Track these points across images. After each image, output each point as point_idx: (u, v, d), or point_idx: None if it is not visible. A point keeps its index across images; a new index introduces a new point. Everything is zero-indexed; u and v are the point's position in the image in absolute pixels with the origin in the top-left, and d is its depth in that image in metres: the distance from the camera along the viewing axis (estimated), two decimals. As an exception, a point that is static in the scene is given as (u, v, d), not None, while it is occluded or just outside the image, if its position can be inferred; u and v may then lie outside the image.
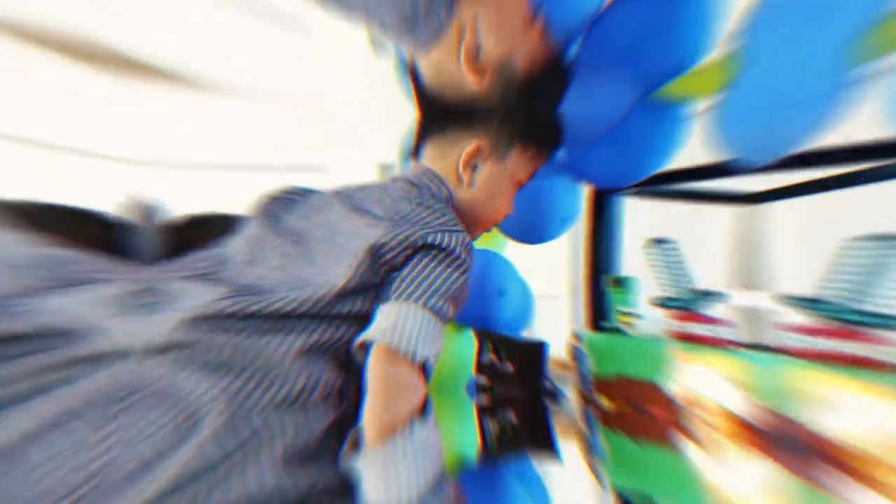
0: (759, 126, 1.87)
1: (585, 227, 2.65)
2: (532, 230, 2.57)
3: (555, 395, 2.48)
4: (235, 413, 1.71)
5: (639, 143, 2.27)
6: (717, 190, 2.88)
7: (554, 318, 3.81)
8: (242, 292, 1.82)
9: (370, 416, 1.74)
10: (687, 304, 2.16)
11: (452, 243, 1.90)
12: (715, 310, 2.13)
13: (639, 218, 2.72)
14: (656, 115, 2.22)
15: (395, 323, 1.83)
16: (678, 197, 2.82)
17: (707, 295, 2.13)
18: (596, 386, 2.26)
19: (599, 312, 2.59)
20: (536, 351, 2.59)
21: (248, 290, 1.84)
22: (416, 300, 1.85)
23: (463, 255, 1.90)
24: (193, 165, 2.95)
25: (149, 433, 1.67)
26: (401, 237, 1.88)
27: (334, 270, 1.88)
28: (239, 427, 1.71)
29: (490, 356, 2.52)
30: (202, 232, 1.96)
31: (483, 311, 2.66)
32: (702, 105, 2.07)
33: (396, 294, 1.87)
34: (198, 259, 1.95)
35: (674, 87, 2.11)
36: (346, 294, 1.86)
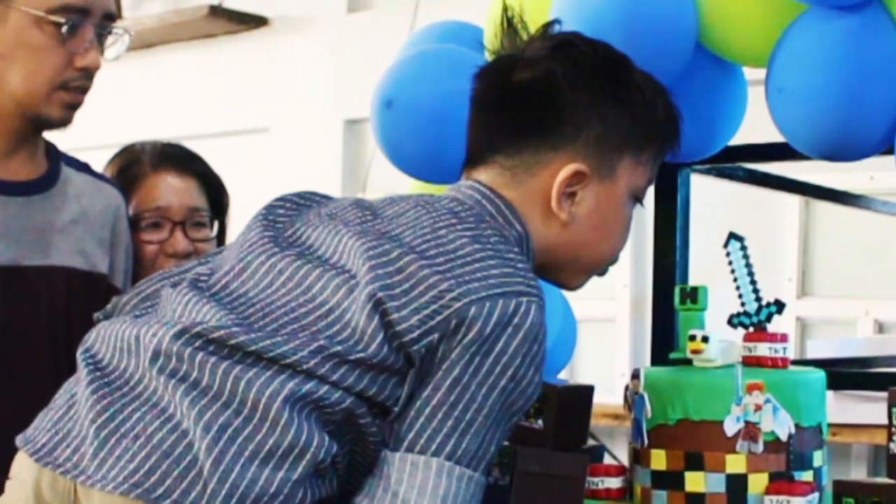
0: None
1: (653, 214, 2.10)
2: None
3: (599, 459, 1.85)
4: (224, 454, 1.33)
5: (706, 103, 1.86)
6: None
7: (606, 350, 3.43)
8: (227, 317, 1.43)
9: None
10: (757, 320, 1.70)
11: (517, 318, 1.36)
12: (775, 323, 1.71)
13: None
14: (720, 72, 1.87)
15: (401, 496, 1.36)
16: (759, 181, 2.28)
17: (773, 305, 1.70)
18: (652, 437, 1.66)
19: (668, 339, 1.99)
20: (579, 400, 1.79)
21: (233, 312, 1.45)
22: (438, 452, 1.36)
23: (529, 342, 1.37)
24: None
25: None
26: (426, 312, 1.36)
27: (334, 321, 1.41)
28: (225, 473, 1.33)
29: None
30: None
31: None
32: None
33: (402, 438, 1.38)
34: (192, 271, 1.60)
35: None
36: (346, 362, 1.37)
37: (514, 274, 1.40)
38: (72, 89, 1.73)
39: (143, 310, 1.57)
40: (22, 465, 1.44)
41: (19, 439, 1.45)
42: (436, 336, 1.36)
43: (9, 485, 1.46)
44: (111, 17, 1.76)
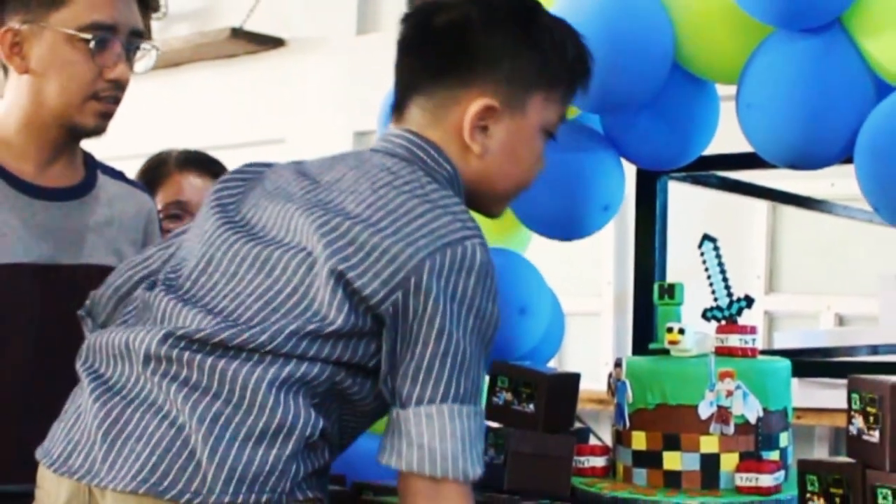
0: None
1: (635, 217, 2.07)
2: (565, 220, 1.88)
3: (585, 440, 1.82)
4: (219, 441, 1.32)
5: (682, 116, 1.83)
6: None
7: (591, 342, 3.40)
8: (205, 319, 1.39)
9: None
10: (728, 314, 1.67)
11: (467, 262, 1.36)
12: (745, 316, 1.70)
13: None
14: (695, 89, 1.82)
15: (426, 447, 1.34)
16: (731, 187, 2.27)
17: (743, 301, 1.68)
18: (633, 420, 1.64)
19: (648, 331, 1.96)
20: (567, 386, 1.77)
21: (208, 310, 1.41)
22: (444, 399, 1.35)
23: (479, 281, 1.36)
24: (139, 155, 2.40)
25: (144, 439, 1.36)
26: (386, 274, 1.35)
27: (301, 299, 1.39)
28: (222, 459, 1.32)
29: (506, 395, 1.73)
30: None
31: (498, 334, 1.74)
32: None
33: (407, 397, 1.36)
34: (153, 259, 1.58)
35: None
36: (320, 337, 1.36)
37: (455, 220, 1.38)
38: (103, 99, 1.73)
39: (125, 315, 1.53)
40: (44, 476, 1.44)
41: (39, 452, 1.45)
42: (399, 294, 1.35)
43: (37, 493, 1.45)
44: (138, 33, 1.76)
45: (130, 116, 1.81)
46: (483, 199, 1.54)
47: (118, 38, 1.72)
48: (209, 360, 1.35)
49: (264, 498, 1.33)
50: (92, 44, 1.69)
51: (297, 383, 1.36)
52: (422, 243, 1.35)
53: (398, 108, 1.54)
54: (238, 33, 4.56)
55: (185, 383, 1.35)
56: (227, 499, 1.31)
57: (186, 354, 1.36)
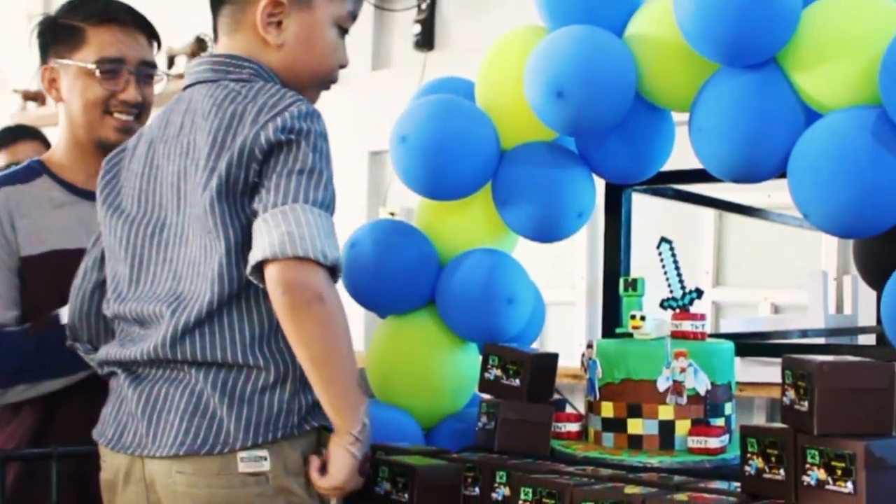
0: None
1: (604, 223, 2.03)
2: (546, 225, 1.85)
3: (562, 409, 1.79)
4: (232, 400, 1.34)
5: (643, 139, 1.81)
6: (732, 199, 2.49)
7: (567, 327, 3.35)
8: (170, 312, 1.38)
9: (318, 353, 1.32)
10: (682, 303, 1.66)
11: (290, 123, 1.36)
12: (696, 306, 1.69)
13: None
14: (654, 116, 1.80)
15: (285, 232, 1.30)
16: (684, 198, 2.23)
17: (694, 292, 1.67)
18: (602, 393, 1.64)
19: (615, 318, 1.92)
20: (547, 364, 1.76)
21: (160, 301, 1.40)
22: (296, 200, 1.33)
23: (308, 126, 1.37)
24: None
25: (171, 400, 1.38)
26: (236, 161, 1.36)
27: (211, 243, 1.37)
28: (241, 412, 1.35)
29: (496, 371, 1.72)
30: None
31: (489, 321, 1.84)
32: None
33: (266, 205, 1.34)
34: (88, 272, 1.57)
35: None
36: (240, 256, 1.35)
37: (274, 98, 1.38)
38: (116, 114, 1.78)
39: (117, 334, 1.51)
40: (104, 452, 1.47)
41: (95, 433, 1.48)
42: (258, 155, 1.36)
43: (102, 465, 1.48)
44: (148, 63, 1.81)
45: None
46: (297, 89, 1.48)
47: (127, 67, 1.78)
48: (197, 345, 1.37)
49: (280, 434, 1.35)
50: (98, 72, 1.76)
51: (268, 334, 1.37)
52: (259, 124, 1.36)
53: (213, 27, 1.53)
54: (271, 68, 4.56)
55: (192, 363, 1.37)
56: (249, 442, 1.34)
57: (178, 350, 1.37)
